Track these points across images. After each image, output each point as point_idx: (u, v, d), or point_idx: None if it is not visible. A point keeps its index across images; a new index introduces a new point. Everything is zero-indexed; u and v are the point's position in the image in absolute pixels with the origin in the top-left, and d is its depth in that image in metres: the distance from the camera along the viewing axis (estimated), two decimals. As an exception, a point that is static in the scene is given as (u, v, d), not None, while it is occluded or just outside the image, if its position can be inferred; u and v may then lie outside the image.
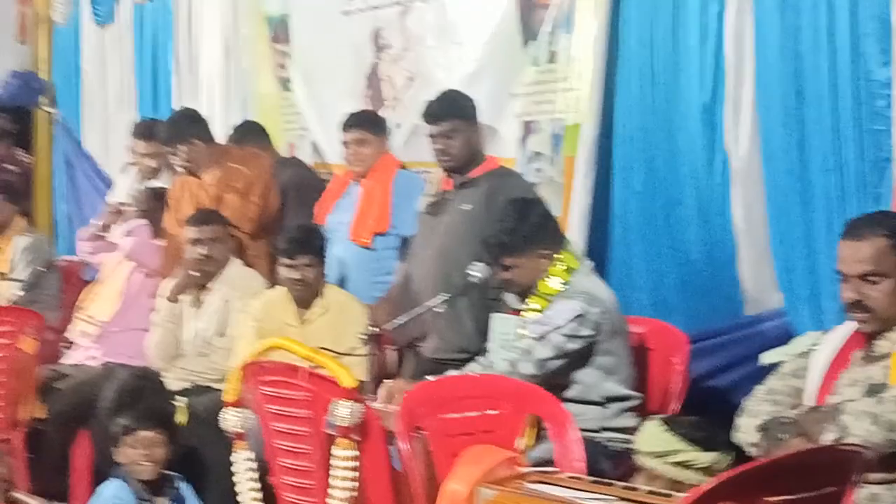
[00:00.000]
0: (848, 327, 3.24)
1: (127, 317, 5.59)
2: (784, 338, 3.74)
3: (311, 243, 4.87)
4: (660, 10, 4.55)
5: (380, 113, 5.68)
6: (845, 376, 3.14)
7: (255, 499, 3.96)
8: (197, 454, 4.50)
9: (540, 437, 3.67)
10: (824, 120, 3.94)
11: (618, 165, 4.76)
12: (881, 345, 3.12)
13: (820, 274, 3.98)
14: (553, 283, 4.05)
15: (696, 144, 4.45)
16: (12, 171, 7.89)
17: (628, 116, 4.70)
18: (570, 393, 3.95)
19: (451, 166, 4.68)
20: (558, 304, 3.99)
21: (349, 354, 4.50)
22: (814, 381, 3.21)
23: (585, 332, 3.93)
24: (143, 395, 4.26)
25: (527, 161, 5.07)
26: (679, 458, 3.24)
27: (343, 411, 3.65)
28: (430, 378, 4.09)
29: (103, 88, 7.94)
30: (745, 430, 3.20)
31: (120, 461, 4.18)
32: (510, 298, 4.22)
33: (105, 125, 7.95)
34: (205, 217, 5.24)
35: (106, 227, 5.98)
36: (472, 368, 4.19)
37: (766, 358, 3.46)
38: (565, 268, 4.07)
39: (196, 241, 5.14)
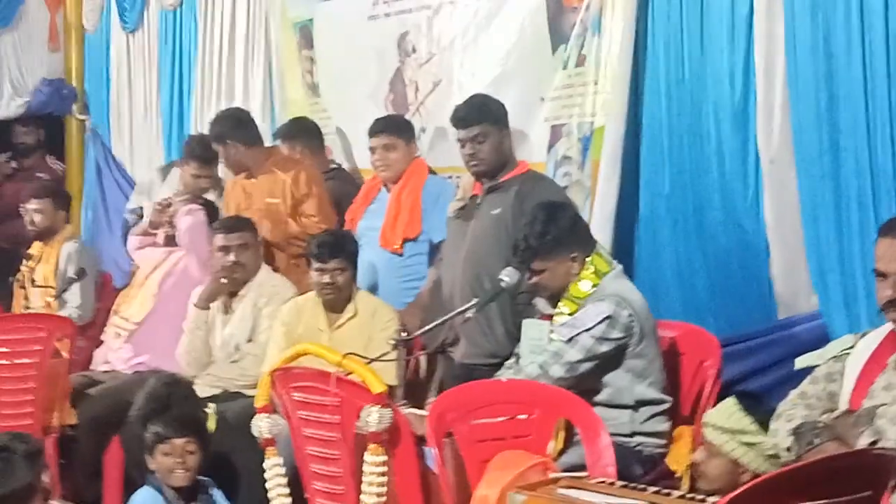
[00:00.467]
0: (883, 331, 3.20)
1: (159, 317, 5.62)
2: (818, 341, 3.72)
3: (343, 247, 4.86)
4: (688, 13, 4.53)
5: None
6: (881, 380, 3.10)
7: (286, 504, 3.96)
8: (227, 460, 4.50)
9: (571, 441, 3.65)
10: (857, 121, 3.91)
11: (645, 168, 4.74)
12: (918, 348, 3.09)
13: (854, 276, 3.95)
14: (583, 286, 4.04)
15: (725, 147, 4.43)
16: (46, 179, 7.94)
17: (656, 119, 4.69)
18: (600, 397, 3.94)
19: (480, 171, 4.66)
20: (588, 307, 3.97)
21: (379, 360, 4.49)
22: (848, 384, 3.17)
23: (615, 334, 3.91)
24: (174, 402, 4.25)
25: (556, 165, 5.05)
26: (747, 438, 3.23)
27: (373, 417, 3.64)
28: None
29: (130, 95, 7.98)
30: (779, 435, 3.17)
31: (153, 468, 4.17)
32: (540, 303, 4.21)
33: (131, 132, 7.98)
34: (233, 224, 5.25)
35: (154, 225, 5.97)
36: (503, 373, 4.17)
37: (801, 362, 3.43)
38: (595, 271, 4.05)
39: (225, 248, 5.15)
